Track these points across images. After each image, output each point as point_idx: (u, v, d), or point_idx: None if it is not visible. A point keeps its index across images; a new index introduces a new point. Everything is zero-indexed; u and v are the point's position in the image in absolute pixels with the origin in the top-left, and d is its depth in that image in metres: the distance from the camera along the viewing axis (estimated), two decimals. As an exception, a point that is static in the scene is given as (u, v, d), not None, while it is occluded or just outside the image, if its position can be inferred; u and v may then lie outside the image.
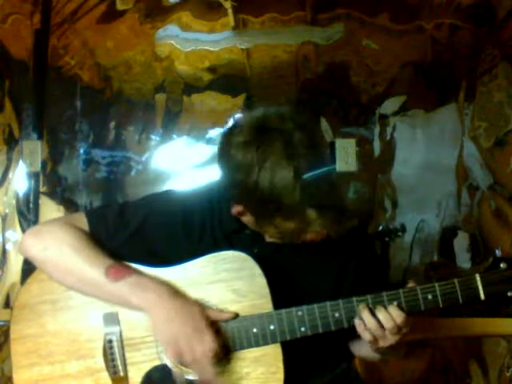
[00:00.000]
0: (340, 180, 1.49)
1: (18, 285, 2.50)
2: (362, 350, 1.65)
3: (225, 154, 1.43)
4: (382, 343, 1.46)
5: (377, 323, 1.44)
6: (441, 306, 1.50)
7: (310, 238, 1.44)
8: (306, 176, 1.35)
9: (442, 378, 2.52)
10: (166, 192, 1.66)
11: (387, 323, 1.44)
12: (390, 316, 1.44)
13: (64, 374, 1.52)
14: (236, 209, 1.46)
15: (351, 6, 2.49)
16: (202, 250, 1.52)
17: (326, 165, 1.39)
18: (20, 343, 1.54)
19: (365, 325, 1.45)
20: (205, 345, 1.41)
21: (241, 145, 1.39)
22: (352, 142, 2.48)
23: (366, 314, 1.45)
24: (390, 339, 1.45)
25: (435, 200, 2.49)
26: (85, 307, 1.52)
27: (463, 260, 2.48)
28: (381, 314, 1.45)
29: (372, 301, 1.47)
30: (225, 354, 1.47)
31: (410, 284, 1.50)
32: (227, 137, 1.44)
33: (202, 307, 1.46)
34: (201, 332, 1.42)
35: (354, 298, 1.48)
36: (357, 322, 1.46)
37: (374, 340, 1.46)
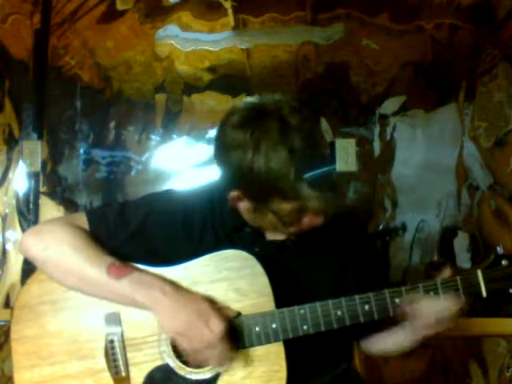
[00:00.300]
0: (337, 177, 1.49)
1: (18, 285, 2.50)
2: (382, 342, 1.67)
3: (221, 136, 1.43)
4: (439, 327, 1.49)
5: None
6: None
7: (309, 222, 1.44)
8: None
9: (442, 377, 2.52)
10: (167, 191, 1.66)
11: (451, 306, 1.47)
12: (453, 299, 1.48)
13: (65, 375, 1.51)
14: (233, 194, 1.45)
15: (351, 6, 2.50)
16: (203, 249, 1.51)
17: (322, 149, 1.40)
18: (20, 344, 1.53)
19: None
20: (213, 327, 1.40)
21: (236, 127, 1.39)
22: (352, 141, 2.48)
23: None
24: (448, 323, 1.48)
25: (435, 200, 2.49)
26: (85, 307, 1.52)
27: (463, 260, 2.48)
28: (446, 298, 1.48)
29: (374, 298, 1.48)
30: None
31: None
32: (224, 120, 1.44)
33: (205, 297, 1.46)
34: (207, 316, 1.41)
35: (356, 296, 1.49)
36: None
37: (434, 323, 1.48)
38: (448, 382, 2.52)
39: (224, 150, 1.42)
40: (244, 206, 1.47)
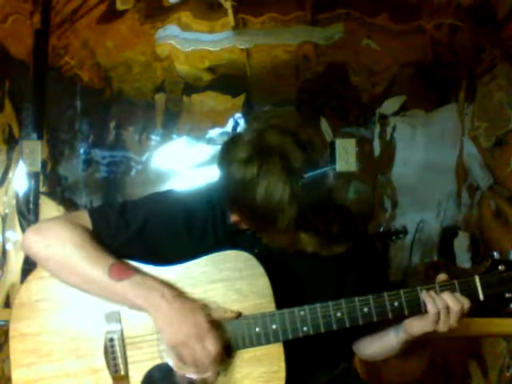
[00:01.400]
0: (337, 197, 1.49)
1: (18, 285, 2.50)
2: (375, 346, 1.67)
3: (224, 167, 1.43)
4: (443, 326, 1.49)
5: (445, 303, 1.48)
6: None
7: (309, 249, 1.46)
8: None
9: (442, 377, 2.52)
10: (168, 191, 1.66)
11: (454, 305, 1.48)
12: (457, 299, 1.49)
13: (64, 373, 1.51)
14: (233, 218, 1.47)
15: (351, 6, 2.49)
16: (204, 249, 1.52)
17: (324, 185, 1.40)
18: (19, 341, 1.53)
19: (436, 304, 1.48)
20: (207, 347, 1.42)
21: (241, 161, 1.38)
22: (352, 141, 2.48)
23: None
24: (451, 322, 1.49)
25: (435, 200, 2.49)
26: (85, 305, 1.52)
27: (463, 260, 2.48)
28: (449, 296, 1.49)
29: (373, 301, 1.49)
30: (227, 353, 1.47)
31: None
32: (227, 151, 1.43)
33: (204, 308, 1.46)
34: (203, 334, 1.42)
35: (356, 298, 1.49)
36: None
37: (437, 321, 1.49)
38: (448, 382, 2.52)
39: (228, 182, 1.42)
40: (245, 225, 1.49)
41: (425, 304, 1.50)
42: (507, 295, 1.53)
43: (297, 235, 1.40)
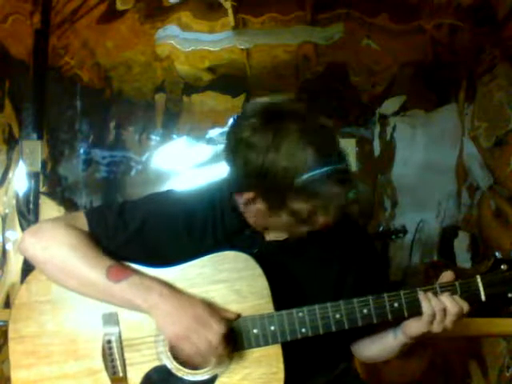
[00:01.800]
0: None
1: (17, 285, 2.50)
2: (375, 347, 1.66)
3: (238, 138, 1.41)
4: (437, 327, 1.48)
5: (441, 304, 1.47)
6: None
7: (323, 221, 1.43)
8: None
9: (442, 377, 2.52)
10: (167, 192, 1.65)
11: (453, 308, 1.46)
12: (456, 302, 1.47)
13: (62, 375, 1.51)
14: (247, 195, 1.44)
15: (351, 6, 2.49)
16: (204, 249, 1.51)
17: (338, 146, 1.41)
18: (18, 343, 1.53)
19: (431, 305, 1.47)
20: (208, 338, 1.40)
21: (256, 128, 1.38)
22: (352, 141, 2.48)
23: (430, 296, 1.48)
24: (446, 324, 1.48)
25: (435, 200, 2.50)
26: (84, 307, 1.51)
27: (463, 260, 2.48)
28: (447, 298, 1.47)
29: (373, 301, 1.48)
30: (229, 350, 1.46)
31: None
32: (239, 121, 1.43)
33: (204, 301, 1.46)
34: (204, 326, 1.41)
35: (355, 299, 1.48)
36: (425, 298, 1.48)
37: (432, 322, 1.48)
38: (448, 382, 2.52)
39: (241, 152, 1.40)
40: (257, 207, 1.46)
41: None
42: (510, 295, 1.51)
43: (321, 197, 1.37)
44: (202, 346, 1.41)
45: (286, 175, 1.35)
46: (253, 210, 1.47)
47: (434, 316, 1.47)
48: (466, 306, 1.48)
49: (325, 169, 1.35)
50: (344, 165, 1.40)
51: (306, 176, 1.35)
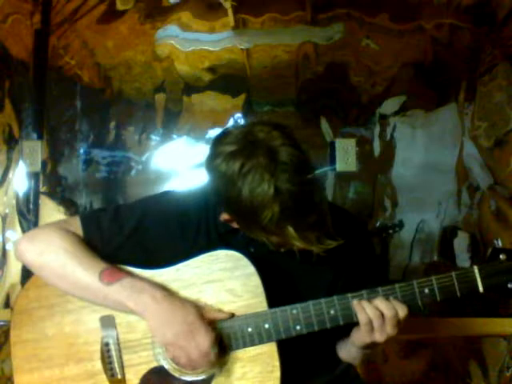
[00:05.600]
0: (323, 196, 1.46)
1: (18, 285, 2.51)
2: (341, 350, 1.66)
3: (211, 162, 1.41)
4: (379, 335, 1.45)
5: (377, 311, 1.44)
6: (438, 299, 1.49)
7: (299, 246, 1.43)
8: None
9: (442, 377, 2.52)
10: (162, 193, 1.66)
11: (388, 311, 1.43)
12: (392, 305, 1.44)
13: (63, 377, 1.53)
14: (223, 216, 1.47)
15: (351, 6, 2.49)
16: (197, 249, 1.52)
17: (311, 183, 1.37)
18: (20, 348, 1.55)
19: (366, 313, 1.44)
20: (199, 343, 1.42)
21: (227, 155, 1.37)
22: (352, 141, 2.48)
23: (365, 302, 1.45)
24: (387, 331, 1.45)
25: (435, 200, 2.49)
26: (82, 311, 1.53)
27: (463, 260, 2.48)
28: (382, 303, 1.44)
29: (367, 296, 1.47)
30: (221, 353, 1.47)
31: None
32: (215, 145, 1.42)
33: (196, 307, 1.46)
34: (194, 331, 1.43)
35: (349, 294, 1.48)
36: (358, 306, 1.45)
37: (371, 331, 1.45)
38: (448, 382, 2.52)
39: (212, 178, 1.41)
40: (236, 224, 1.48)
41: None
42: (509, 285, 1.47)
43: (285, 233, 1.37)
44: (192, 353, 1.42)
45: (252, 210, 1.34)
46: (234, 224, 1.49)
47: (371, 324, 1.45)
48: (401, 309, 1.44)
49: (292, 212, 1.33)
50: (314, 196, 1.37)
51: (273, 215, 1.33)
